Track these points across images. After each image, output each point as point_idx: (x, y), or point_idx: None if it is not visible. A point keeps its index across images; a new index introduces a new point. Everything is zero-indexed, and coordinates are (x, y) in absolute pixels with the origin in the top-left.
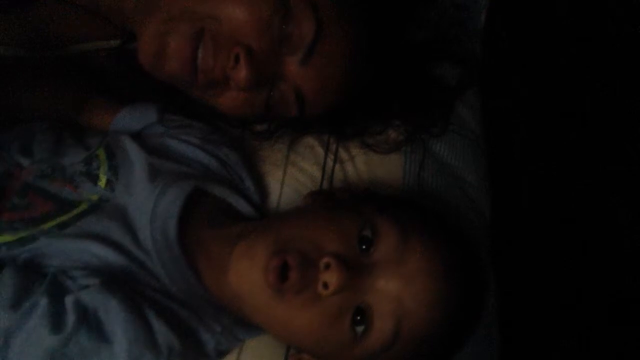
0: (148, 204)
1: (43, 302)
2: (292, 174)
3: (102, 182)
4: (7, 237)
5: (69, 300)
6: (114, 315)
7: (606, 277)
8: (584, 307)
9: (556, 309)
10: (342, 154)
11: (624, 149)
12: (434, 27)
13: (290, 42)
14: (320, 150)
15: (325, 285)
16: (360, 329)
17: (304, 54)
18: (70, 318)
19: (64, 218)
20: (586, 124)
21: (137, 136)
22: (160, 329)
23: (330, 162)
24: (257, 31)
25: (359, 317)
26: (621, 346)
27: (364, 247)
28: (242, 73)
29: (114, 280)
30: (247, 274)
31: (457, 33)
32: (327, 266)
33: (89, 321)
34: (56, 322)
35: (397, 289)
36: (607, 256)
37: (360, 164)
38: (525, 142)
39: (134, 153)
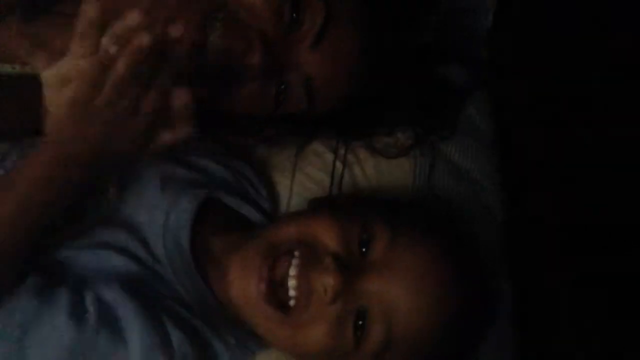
0: (160, 214)
1: (64, 293)
2: (301, 182)
3: (112, 192)
4: None
5: (88, 295)
6: (131, 320)
7: (627, 281)
8: (604, 313)
9: (575, 314)
10: (351, 159)
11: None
12: (441, 29)
13: (300, 29)
14: (328, 157)
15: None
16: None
17: (313, 40)
18: (91, 313)
19: (75, 229)
20: (598, 124)
21: None
22: (177, 337)
23: (338, 168)
24: (269, 17)
25: (360, 322)
26: None
27: (363, 250)
28: (255, 59)
29: (132, 286)
30: (245, 290)
31: (464, 35)
32: (327, 269)
33: (107, 318)
34: (76, 313)
35: (385, 291)
36: (627, 259)
37: (370, 169)
38: (537, 143)
39: (144, 162)
